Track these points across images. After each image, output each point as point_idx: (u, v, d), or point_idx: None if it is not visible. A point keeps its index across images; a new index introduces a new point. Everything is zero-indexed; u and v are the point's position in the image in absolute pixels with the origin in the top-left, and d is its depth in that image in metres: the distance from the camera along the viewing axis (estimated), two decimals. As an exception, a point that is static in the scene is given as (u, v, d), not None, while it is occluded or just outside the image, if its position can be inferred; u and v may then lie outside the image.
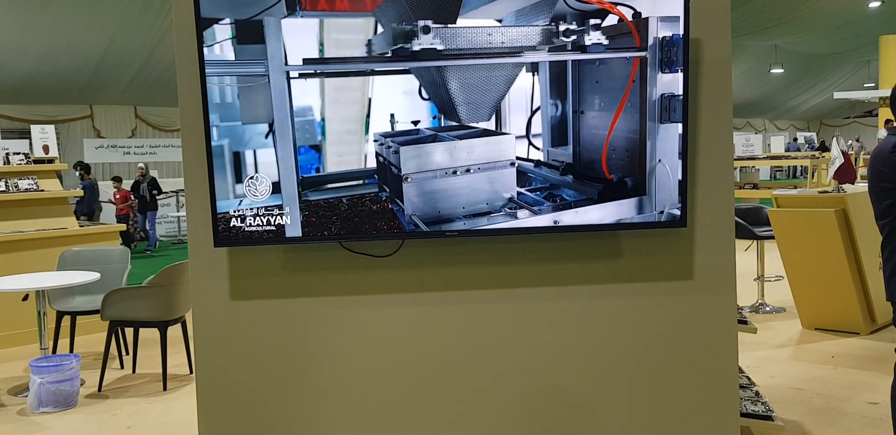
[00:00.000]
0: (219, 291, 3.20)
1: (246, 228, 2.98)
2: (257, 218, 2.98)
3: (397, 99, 2.99)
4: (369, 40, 2.92)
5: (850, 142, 22.24)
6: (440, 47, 2.88)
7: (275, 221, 2.98)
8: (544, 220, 3.05)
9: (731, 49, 3.21)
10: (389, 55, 2.90)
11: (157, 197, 14.68)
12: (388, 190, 3.02)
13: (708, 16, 3.13)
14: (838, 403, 4.78)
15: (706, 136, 3.18)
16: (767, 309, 7.38)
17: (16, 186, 7.44)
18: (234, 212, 2.98)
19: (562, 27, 2.91)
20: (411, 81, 2.96)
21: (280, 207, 2.97)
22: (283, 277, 3.21)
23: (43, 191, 7.60)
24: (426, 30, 2.85)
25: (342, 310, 3.23)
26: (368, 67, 2.94)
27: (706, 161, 3.19)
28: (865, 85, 28.32)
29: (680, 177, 3.03)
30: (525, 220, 3.05)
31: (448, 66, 2.92)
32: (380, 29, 2.93)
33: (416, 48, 2.86)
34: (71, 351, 6.06)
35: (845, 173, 6.73)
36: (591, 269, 3.24)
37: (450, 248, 3.21)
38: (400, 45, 2.87)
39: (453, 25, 2.88)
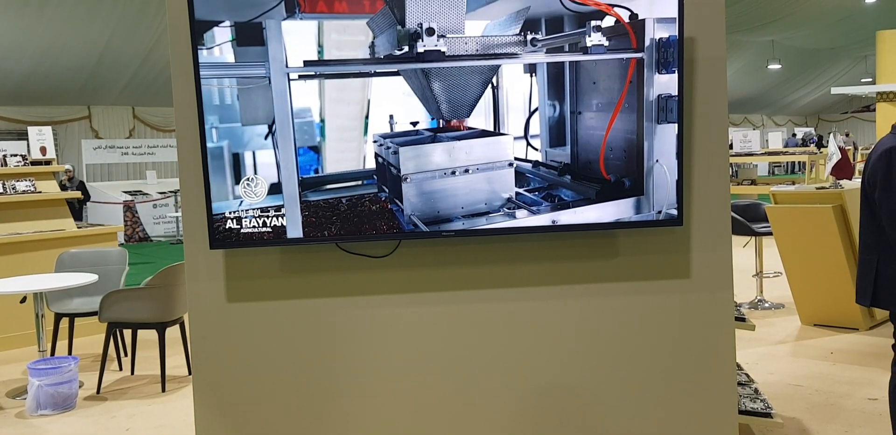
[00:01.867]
0: (215, 293, 3.20)
1: (242, 230, 2.98)
2: (253, 220, 2.98)
3: (396, 100, 2.99)
4: (372, 42, 2.92)
5: (841, 137, 22.25)
6: (444, 48, 2.88)
7: (271, 223, 2.98)
8: (542, 220, 3.05)
9: (729, 45, 3.22)
10: (391, 56, 2.91)
11: (87, 203, 13.97)
12: (387, 190, 3.02)
13: (702, 14, 3.13)
14: (837, 400, 4.78)
15: (701, 134, 3.18)
16: (766, 305, 7.39)
17: (13, 188, 7.43)
18: (230, 213, 2.98)
19: (529, 36, 2.93)
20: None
21: (277, 209, 2.97)
22: (280, 278, 3.21)
23: (40, 193, 7.59)
24: (430, 32, 2.86)
25: (339, 311, 3.23)
26: (370, 69, 2.95)
27: (702, 160, 3.19)
28: (863, 80, 28.31)
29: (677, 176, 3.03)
30: (523, 219, 3.05)
31: (450, 68, 2.93)
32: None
33: (420, 50, 2.87)
34: (69, 353, 6.06)
35: (842, 169, 6.74)
36: (588, 268, 3.24)
37: (447, 248, 3.21)
38: (403, 48, 2.88)
39: (455, 32, 2.90)
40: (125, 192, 15.99)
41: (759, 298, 7.49)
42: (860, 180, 3.58)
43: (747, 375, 4.30)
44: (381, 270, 3.21)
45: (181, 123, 3.12)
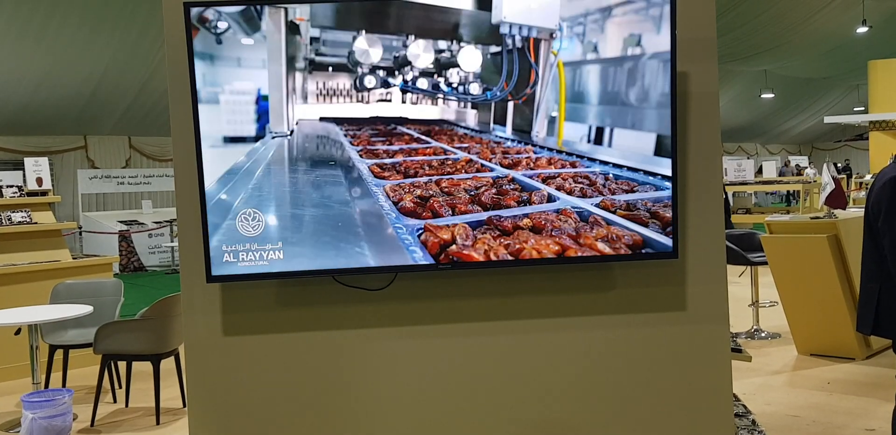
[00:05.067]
0: (211, 327, 3.19)
1: (238, 264, 2.99)
2: (250, 253, 2.98)
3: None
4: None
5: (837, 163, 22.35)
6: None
7: (267, 257, 2.98)
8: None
9: (722, 75, 3.26)
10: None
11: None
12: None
13: (695, 49, 3.16)
14: (835, 430, 4.76)
15: (696, 168, 3.20)
16: (763, 335, 7.38)
17: (9, 219, 7.43)
18: (227, 247, 2.98)
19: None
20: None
21: (274, 242, 2.98)
22: (276, 311, 3.20)
23: (36, 223, 7.58)
24: None
25: (336, 344, 3.22)
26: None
27: (696, 193, 3.20)
28: (855, 109, 28.51)
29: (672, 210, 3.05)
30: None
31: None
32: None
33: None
34: (63, 385, 6.02)
35: (836, 199, 6.77)
36: (584, 300, 3.25)
37: (444, 281, 3.21)
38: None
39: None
40: (120, 221, 15.96)
41: (755, 327, 7.48)
42: (863, 208, 3.58)
43: (744, 406, 4.28)
44: (377, 302, 3.21)
45: (179, 157, 3.13)
